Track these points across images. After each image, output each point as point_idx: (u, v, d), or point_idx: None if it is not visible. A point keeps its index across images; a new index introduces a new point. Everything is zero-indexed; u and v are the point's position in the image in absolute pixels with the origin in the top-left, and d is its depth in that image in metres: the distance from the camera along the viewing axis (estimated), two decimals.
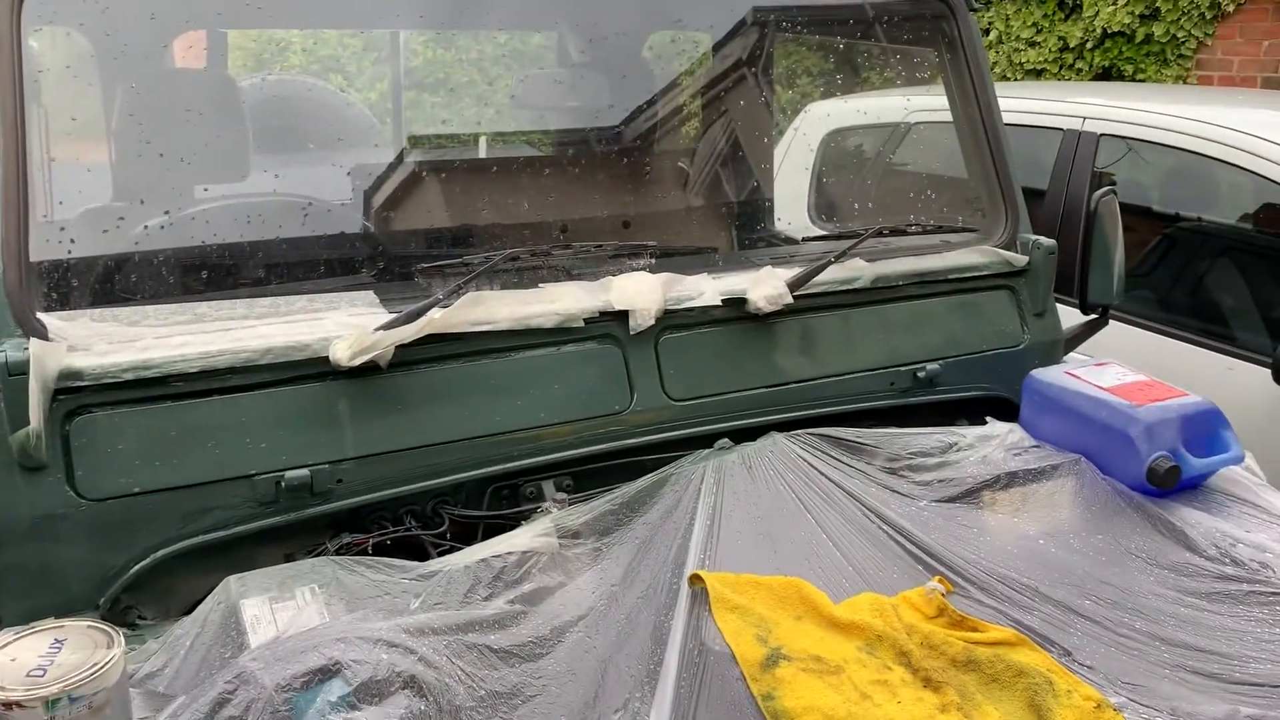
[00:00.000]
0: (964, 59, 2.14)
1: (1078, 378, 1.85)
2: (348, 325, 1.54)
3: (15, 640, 1.13)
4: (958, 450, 1.80)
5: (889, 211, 2.13)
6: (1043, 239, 2.09)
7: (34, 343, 1.36)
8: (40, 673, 1.07)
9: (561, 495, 1.68)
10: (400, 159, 2.31)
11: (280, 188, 1.95)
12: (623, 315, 1.73)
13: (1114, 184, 2.25)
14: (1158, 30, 6.35)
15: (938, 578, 1.48)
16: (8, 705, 1.03)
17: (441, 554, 1.54)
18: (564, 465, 1.73)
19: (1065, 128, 3.61)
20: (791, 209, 3.85)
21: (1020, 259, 2.08)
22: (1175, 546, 1.61)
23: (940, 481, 1.73)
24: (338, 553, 1.51)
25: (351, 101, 3.12)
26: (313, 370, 1.52)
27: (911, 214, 2.23)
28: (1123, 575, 1.54)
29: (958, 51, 2.15)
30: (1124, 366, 1.90)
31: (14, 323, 1.39)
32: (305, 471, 1.50)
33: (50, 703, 1.04)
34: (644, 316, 1.72)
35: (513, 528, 1.57)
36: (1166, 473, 1.66)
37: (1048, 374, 1.90)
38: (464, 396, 1.62)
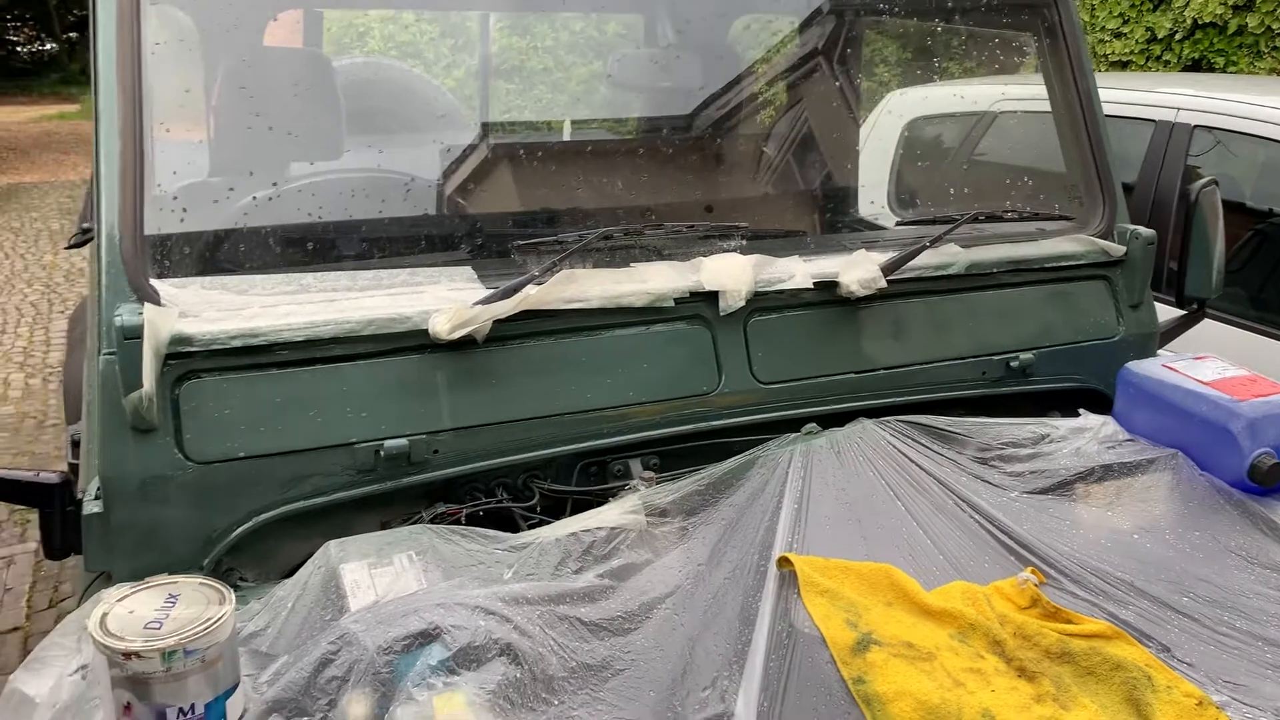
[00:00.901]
0: (1064, 44, 2.10)
1: (1176, 371, 1.81)
2: (447, 299, 1.57)
3: (132, 594, 1.17)
4: (1050, 442, 1.78)
5: (972, 201, 2.10)
6: (1141, 229, 2.04)
7: (148, 308, 1.40)
8: (157, 625, 1.11)
9: (648, 474, 1.69)
10: (490, 141, 2.33)
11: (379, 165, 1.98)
12: (712, 296, 1.73)
13: (1211, 178, 2.19)
14: (1252, 21, 6.15)
15: (1030, 569, 1.46)
16: (127, 655, 1.07)
17: (531, 527, 1.56)
18: (651, 444, 1.73)
19: (1157, 119, 3.52)
20: (872, 197, 3.81)
21: (1118, 249, 2.04)
22: (1276, 546, 1.57)
23: (1032, 473, 1.70)
24: (432, 522, 1.53)
25: (438, 85, 3.16)
26: (412, 342, 1.54)
27: (1001, 203, 2.20)
28: (1221, 573, 1.51)
29: (1058, 36, 2.11)
30: (1223, 361, 1.85)
31: (129, 288, 1.43)
32: (404, 441, 1.52)
33: (166, 654, 1.07)
34: (734, 298, 1.72)
35: (600, 504, 1.58)
36: (1269, 470, 1.61)
37: (1144, 366, 1.86)
38: (555, 373, 1.64)
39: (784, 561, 1.41)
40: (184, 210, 1.68)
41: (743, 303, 1.72)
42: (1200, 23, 6.32)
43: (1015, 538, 1.52)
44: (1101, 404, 1.94)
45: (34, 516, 4.24)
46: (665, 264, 1.75)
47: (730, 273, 1.72)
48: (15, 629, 3.56)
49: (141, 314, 1.39)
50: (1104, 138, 2.10)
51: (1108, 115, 2.15)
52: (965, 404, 1.93)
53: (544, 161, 2.26)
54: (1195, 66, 6.47)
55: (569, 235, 1.72)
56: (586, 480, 1.73)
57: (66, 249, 2.60)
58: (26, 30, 26.51)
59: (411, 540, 1.41)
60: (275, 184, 1.83)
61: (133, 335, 1.37)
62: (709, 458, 1.67)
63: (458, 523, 1.54)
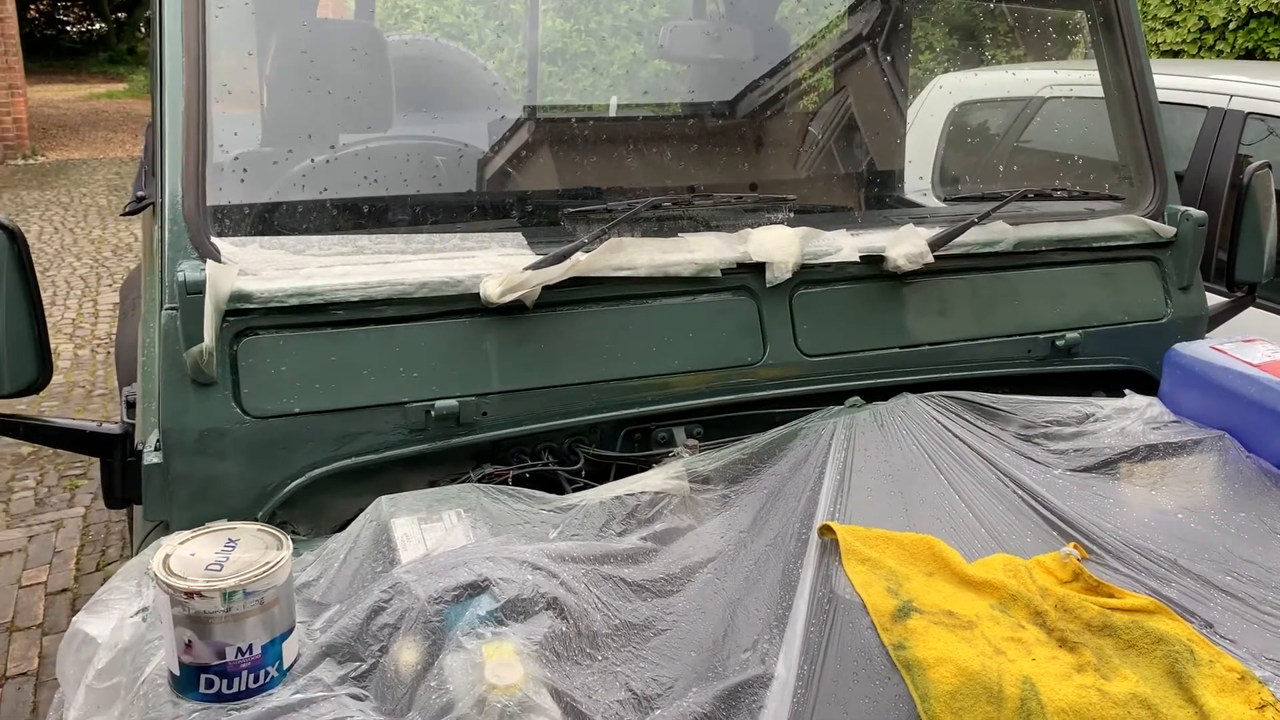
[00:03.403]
0: (1118, 18, 2.08)
1: (1224, 353, 1.79)
2: (498, 264, 1.59)
3: (193, 538, 1.21)
4: (1095, 421, 1.77)
5: (1018, 184, 2.09)
6: (1192, 210, 2.03)
7: (210, 264, 1.44)
8: (218, 567, 1.14)
9: (692, 442, 1.70)
10: (539, 117, 2.36)
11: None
12: (759, 268, 1.74)
13: (1264, 162, 2.16)
14: None
15: (1073, 544, 1.46)
16: (189, 594, 1.10)
17: (576, 490, 1.58)
18: (695, 413, 1.75)
19: (1209, 105, 3.48)
20: (917, 181, 3.79)
21: (1168, 230, 2.02)
22: None
23: (1076, 451, 1.70)
24: (480, 482, 1.56)
25: (486, 66, 3.19)
26: (463, 306, 1.57)
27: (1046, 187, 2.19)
28: (1266, 554, 1.50)
29: (1111, 13, 2.09)
30: (1272, 344, 1.83)
31: (191, 245, 1.47)
32: (454, 402, 1.55)
33: (227, 595, 1.11)
34: (781, 269, 1.73)
35: (644, 470, 1.60)
36: None
37: (1192, 348, 1.85)
38: (602, 340, 1.66)
39: (826, 530, 1.43)
40: (244, 171, 1.71)
41: (789, 275, 1.73)
42: (1255, 11, 6.21)
43: (1058, 513, 1.52)
44: (1147, 386, 1.93)
45: (81, 482, 4.35)
46: (713, 235, 1.77)
47: (778, 244, 1.73)
48: (64, 590, 3.65)
49: (203, 270, 1.42)
50: (1156, 117, 2.08)
51: (1160, 101, 2.13)
52: (1009, 382, 1.93)
53: (591, 137, 2.28)
54: (1249, 56, 6.35)
55: (618, 204, 1.74)
56: (630, 446, 1.75)
57: (122, 215, 2.66)
58: (76, 10, 26.89)
59: (460, 498, 1.44)
60: (333, 146, 1.86)
61: (195, 290, 1.41)
62: (752, 428, 1.68)
63: (504, 483, 1.57)
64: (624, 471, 1.65)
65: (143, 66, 22.66)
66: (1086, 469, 1.67)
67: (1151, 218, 2.04)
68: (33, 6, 24.62)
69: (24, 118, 12.40)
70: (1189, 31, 6.58)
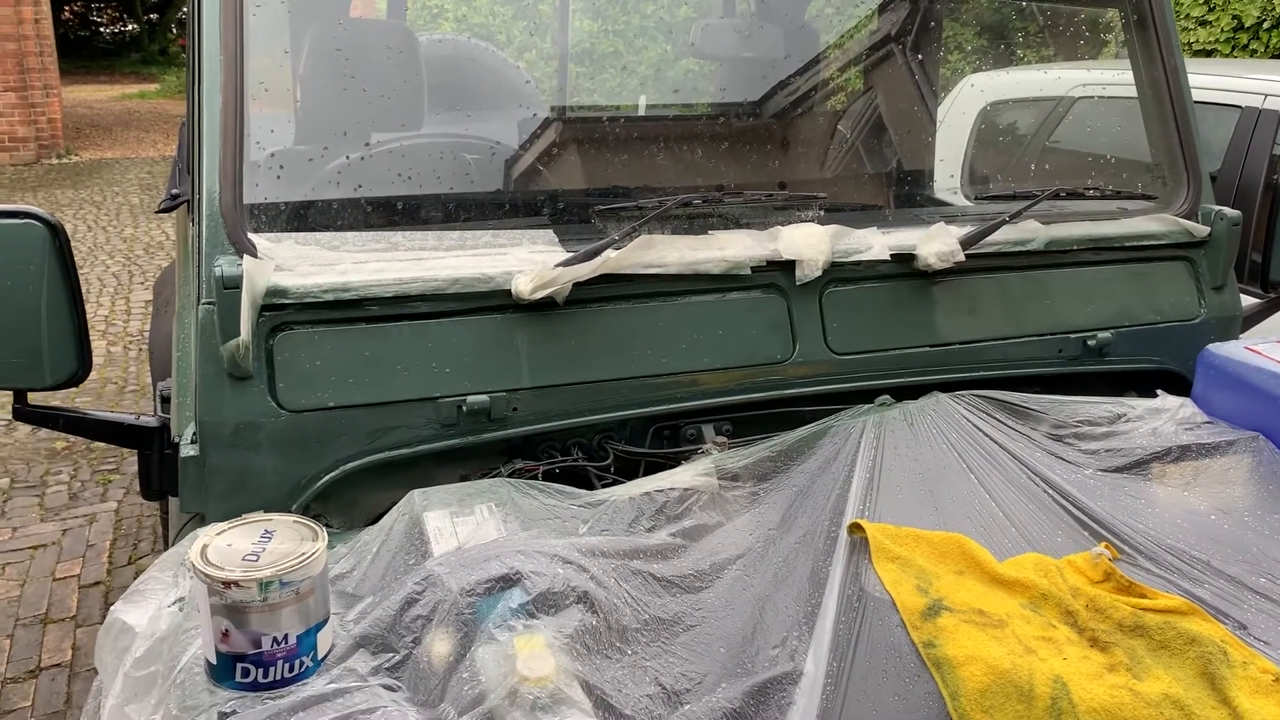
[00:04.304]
0: (1152, 15, 2.06)
1: (1259, 354, 1.78)
2: (529, 261, 1.60)
3: (230, 529, 1.22)
4: (1126, 421, 1.76)
5: (1049, 184, 2.08)
6: (1226, 210, 2.01)
7: (246, 259, 1.46)
8: (254, 558, 1.15)
9: (721, 439, 1.71)
10: (569, 116, 2.37)
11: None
12: (789, 266, 1.74)
13: None
14: None
15: (1104, 544, 1.46)
16: (226, 584, 1.12)
17: (605, 486, 1.59)
18: (724, 411, 1.75)
19: (1244, 105, 3.44)
20: (948, 179, 3.78)
21: (1201, 229, 2.01)
22: None
23: (1107, 451, 1.69)
24: (510, 477, 1.57)
25: (517, 66, 3.21)
26: (495, 302, 1.58)
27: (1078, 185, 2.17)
28: None
29: (1146, 11, 2.07)
30: None
31: (228, 241, 1.49)
32: (485, 397, 1.56)
33: (263, 585, 1.12)
34: (811, 267, 1.73)
35: (672, 467, 1.60)
36: None
37: (1226, 349, 1.83)
38: (632, 337, 1.66)
39: (855, 528, 1.43)
40: (280, 168, 1.73)
41: (819, 272, 1.73)
42: None
43: (1089, 513, 1.51)
44: (1179, 386, 1.91)
45: (114, 477, 4.41)
46: (743, 232, 1.77)
47: (808, 242, 1.73)
48: (97, 583, 3.70)
49: (240, 265, 1.44)
50: (1190, 115, 2.06)
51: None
52: (1040, 382, 1.92)
53: (623, 136, 2.29)
54: None
55: (649, 201, 1.74)
56: (659, 443, 1.76)
57: (157, 212, 2.70)
58: (109, 12, 27.23)
59: (491, 492, 1.45)
60: (367, 144, 1.88)
61: (232, 285, 1.42)
62: (781, 426, 1.68)
63: (534, 479, 1.58)
64: (653, 468, 1.66)
65: (174, 67, 22.92)
66: (1118, 469, 1.66)
67: (1185, 217, 2.02)
68: (67, 8, 24.96)
69: (59, 118, 12.57)
70: (1222, 31, 6.51)
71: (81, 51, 24.52)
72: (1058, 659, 1.24)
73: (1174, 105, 2.05)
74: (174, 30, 26.42)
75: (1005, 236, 1.85)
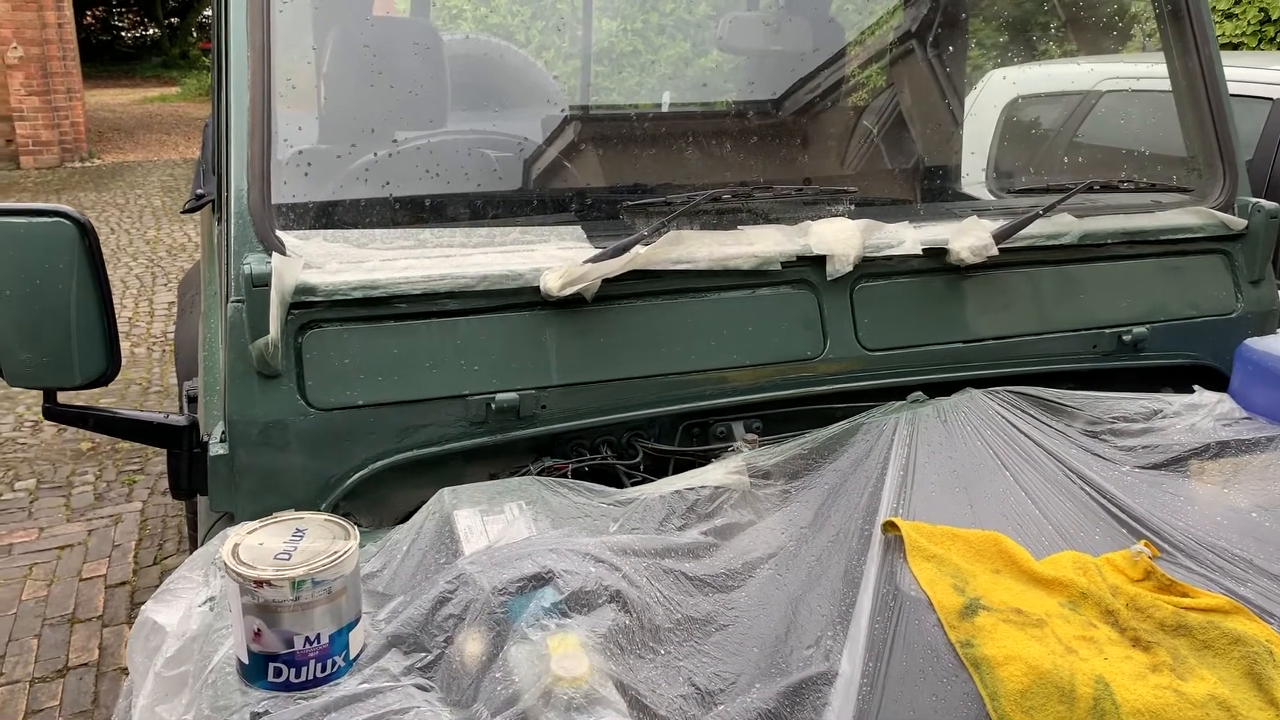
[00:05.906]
0: (1187, 10, 2.03)
1: None
2: (558, 258, 1.59)
3: (261, 528, 1.21)
4: (1163, 417, 1.73)
5: (1079, 179, 2.05)
6: (1265, 202, 1.98)
7: (275, 257, 1.45)
8: (286, 557, 1.15)
9: (751, 436, 1.69)
10: (592, 113, 2.36)
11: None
12: (819, 261, 1.72)
13: None
14: None
15: (1143, 541, 1.43)
16: (259, 583, 1.11)
17: (635, 484, 1.57)
18: (754, 408, 1.73)
19: (1275, 97, 3.40)
20: (971, 176, 3.75)
21: (1238, 222, 1.97)
22: None
23: (1144, 448, 1.66)
24: (539, 475, 1.56)
25: (539, 65, 3.20)
26: (523, 299, 1.56)
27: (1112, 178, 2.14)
28: None
29: (1180, 2, 2.04)
30: None
31: (256, 239, 1.48)
32: (514, 395, 1.55)
33: (295, 584, 1.11)
34: (842, 262, 1.71)
35: (702, 464, 1.59)
36: None
37: (1263, 343, 1.80)
38: (661, 334, 1.65)
39: (890, 526, 1.41)
40: (307, 165, 1.73)
41: (850, 267, 1.71)
42: None
43: (1127, 511, 1.49)
44: (1216, 381, 1.88)
45: (139, 478, 4.43)
46: (773, 227, 1.75)
47: (839, 237, 1.71)
48: (123, 583, 3.72)
49: (269, 263, 1.43)
50: (1226, 106, 2.03)
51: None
52: (1075, 377, 1.89)
53: (649, 132, 2.27)
54: None
55: (677, 196, 1.73)
56: (689, 441, 1.74)
57: (182, 213, 2.71)
58: (131, 16, 27.44)
59: (521, 490, 1.44)
60: (395, 142, 1.87)
61: (261, 283, 1.42)
62: (812, 423, 1.66)
63: (564, 477, 1.57)
64: (682, 466, 1.64)
65: (195, 70, 23.07)
66: (1155, 466, 1.63)
67: (1221, 210, 1.99)
68: (89, 12, 25.16)
69: (81, 121, 12.68)
70: (1249, 24, 6.43)
71: (103, 55, 24.72)
72: (1099, 659, 1.22)
73: (1209, 96, 2.02)
74: (194, 34, 26.60)
75: (1038, 230, 1.83)
